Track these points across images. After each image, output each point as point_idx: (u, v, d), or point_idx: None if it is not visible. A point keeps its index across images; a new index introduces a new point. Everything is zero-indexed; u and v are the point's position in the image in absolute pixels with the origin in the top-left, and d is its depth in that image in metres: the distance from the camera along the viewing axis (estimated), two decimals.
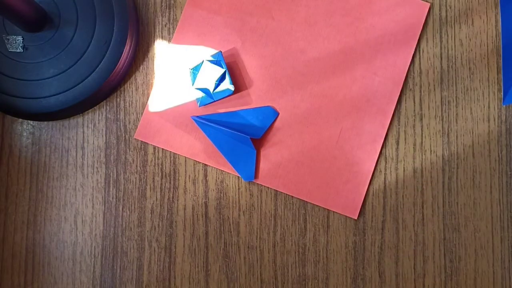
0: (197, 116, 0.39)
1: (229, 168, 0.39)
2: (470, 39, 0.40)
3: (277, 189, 0.39)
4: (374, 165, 0.38)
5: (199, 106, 0.39)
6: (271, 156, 0.39)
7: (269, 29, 0.40)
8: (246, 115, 0.39)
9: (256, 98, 0.39)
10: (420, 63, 0.39)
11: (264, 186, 0.39)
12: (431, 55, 0.39)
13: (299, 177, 0.39)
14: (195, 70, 0.38)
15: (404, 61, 0.39)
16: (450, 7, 0.40)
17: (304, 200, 0.39)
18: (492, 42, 0.40)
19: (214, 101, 0.38)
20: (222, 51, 0.38)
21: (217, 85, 0.38)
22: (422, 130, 0.39)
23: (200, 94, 0.39)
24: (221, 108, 0.39)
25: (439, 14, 0.40)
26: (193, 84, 0.38)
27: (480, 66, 0.39)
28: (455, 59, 0.40)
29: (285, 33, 0.40)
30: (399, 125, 0.39)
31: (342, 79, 0.39)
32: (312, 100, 0.39)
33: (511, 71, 0.38)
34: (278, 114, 0.39)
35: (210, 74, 0.38)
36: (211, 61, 0.38)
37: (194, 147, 0.39)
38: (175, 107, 0.39)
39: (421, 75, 0.39)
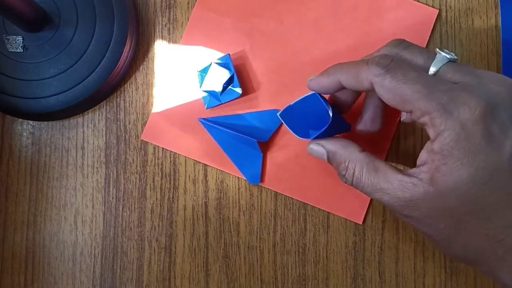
0: (204, 118, 0.39)
1: (237, 171, 0.39)
2: (470, 39, 0.40)
3: (283, 193, 0.39)
4: None
5: (206, 109, 0.39)
6: (277, 160, 0.39)
7: (278, 32, 0.40)
8: (253, 118, 0.39)
9: (263, 101, 0.39)
10: None
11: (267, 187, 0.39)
12: None
13: (304, 182, 0.39)
14: (203, 72, 0.38)
15: None
16: (450, 7, 0.40)
17: (307, 203, 0.39)
18: (492, 42, 0.40)
19: (222, 103, 0.38)
20: (231, 54, 0.38)
21: (224, 88, 0.38)
22: (422, 130, 0.39)
23: (208, 97, 0.39)
24: (228, 111, 0.39)
25: (439, 14, 0.40)
26: (200, 86, 0.38)
27: (480, 66, 0.39)
28: None
29: (293, 36, 0.39)
30: (399, 124, 0.39)
31: None
32: None
33: (511, 71, 0.38)
34: None
35: (218, 77, 0.38)
36: (219, 64, 0.38)
37: (201, 149, 0.39)
38: (182, 109, 0.39)
39: None
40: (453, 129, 0.27)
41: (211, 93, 0.38)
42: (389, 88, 0.29)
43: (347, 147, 0.32)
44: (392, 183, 0.30)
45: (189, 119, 0.39)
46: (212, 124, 0.38)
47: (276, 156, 0.39)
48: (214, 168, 0.39)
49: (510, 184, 0.28)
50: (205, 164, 0.39)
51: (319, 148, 0.33)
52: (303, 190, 0.38)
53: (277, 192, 0.39)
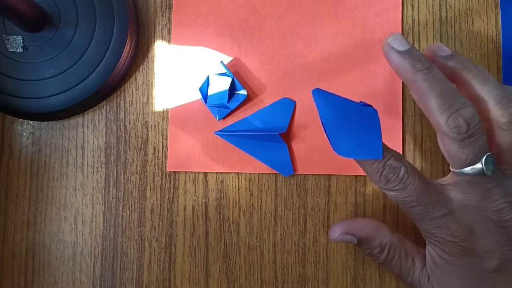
0: (220, 130, 0.39)
1: (270, 169, 0.39)
2: (470, 39, 0.40)
3: (320, 173, 0.39)
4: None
5: (219, 120, 0.39)
6: (303, 144, 0.39)
7: (259, 24, 0.40)
8: (266, 114, 0.39)
9: (268, 94, 0.39)
10: None
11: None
12: None
13: (335, 156, 0.38)
14: (203, 88, 0.38)
15: None
16: (450, 7, 0.40)
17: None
18: (492, 42, 0.40)
19: (232, 110, 0.38)
20: (222, 60, 0.38)
21: (229, 94, 0.38)
22: (422, 130, 0.39)
23: (216, 109, 0.39)
24: (239, 115, 0.39)
25: (439, 14, 0.40)
26: (206, 103, 0.38)
27: (480, 66, 0.39)
28: None
29: (274, 22, 0.40)
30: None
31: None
32: (325, 81, 0.39)
33: (511, 71, 0.38)
34: (295, 102, 0.39)
35: (219, 86, 0.38)
36: (215, 74, 0.38)
37: (227, 160, 0.39)
38: (195, 129, 0.39)
39: None
40: (433, 259, 0.33)
41: (219, 104, 0.38)
42: (392, 199, 0.32)
43: (380, 230, 0.35)
44: (416, 269, 0.34)
45: (205, 136, 0.39)
46: (230, 133, 0.38)
47: (300, 142, 0.39)
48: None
49: None
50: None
51: (348, 237, 0.35)
52: (336, 162, 0.38)
53: (276, 192, 0.39)
